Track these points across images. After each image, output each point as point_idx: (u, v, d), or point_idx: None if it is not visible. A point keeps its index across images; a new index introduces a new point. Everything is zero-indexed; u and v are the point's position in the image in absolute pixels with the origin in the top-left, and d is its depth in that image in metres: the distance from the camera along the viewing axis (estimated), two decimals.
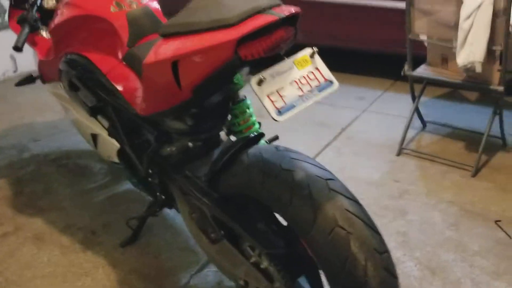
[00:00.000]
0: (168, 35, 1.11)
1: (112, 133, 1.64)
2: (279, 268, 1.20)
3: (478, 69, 2.00)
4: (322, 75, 1.06)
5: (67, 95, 1.85)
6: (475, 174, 2.24)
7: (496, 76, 2.12)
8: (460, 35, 2.00)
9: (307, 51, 1.06)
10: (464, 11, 1.99)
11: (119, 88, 1.48)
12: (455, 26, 2.07)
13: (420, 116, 2.69)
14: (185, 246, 1.89)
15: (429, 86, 2.58)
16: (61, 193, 2.30)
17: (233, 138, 1.58)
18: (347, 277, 1.02)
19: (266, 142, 1.56)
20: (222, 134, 1.58)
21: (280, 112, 1.00)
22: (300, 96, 1.03)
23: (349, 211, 1.06)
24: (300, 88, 1.03)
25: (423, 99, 2.64)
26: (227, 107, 1.42)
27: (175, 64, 1.08)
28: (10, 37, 4.14)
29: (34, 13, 1.74)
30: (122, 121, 1.61)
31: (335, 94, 2.13)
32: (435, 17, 2.18)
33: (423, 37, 2.33)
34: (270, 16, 0.97)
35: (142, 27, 1.50)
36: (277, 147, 1.22)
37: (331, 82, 1.07)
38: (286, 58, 1.05)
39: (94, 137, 1.78)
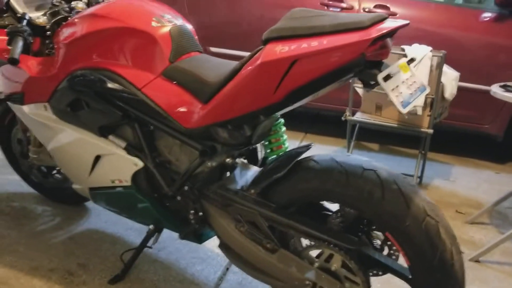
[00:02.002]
0: (277, 39, 1.18)
1: (132, 152, 1.55)
2: (358, 265, 1.27)
3: (419, 111, 2.41)
4: (420, 80, 1.25)
5: (55, 116, 1.70)
6: None
7: (426, 121, 2.56)
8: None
9: (405, 59, 1.24)
10: None
11: (159, 102, 1.45)
12: None
13: None
14: (182, 278, 1.79)
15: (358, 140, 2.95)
16: (7, 236, 1.99)
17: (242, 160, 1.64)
18: (438, 261, 1.16)
19: None
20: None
21: (402, 105, 1.15)
22: (410, 94, 1.19)
23: (431, 203, 1.22)
24: (409, 87, 1.19)
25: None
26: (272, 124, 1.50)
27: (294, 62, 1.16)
28: None
29: (26, 27, 1.61)
30: (150, 137, 1.55)
31: None
32: None
33: (359, 87, 2.72)
34: (393, 23, 1.13)
35: (184, 44, 1.52)
36: (346, 154, 1.34)
37: (425, 86, 1.25)
38: (391, 64, 1.20)
39: (97, 158, 1.64)
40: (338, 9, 3.28)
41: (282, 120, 1.57)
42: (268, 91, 1.23)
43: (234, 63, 1.39)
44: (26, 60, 1.71)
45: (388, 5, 3.19)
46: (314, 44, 1.13)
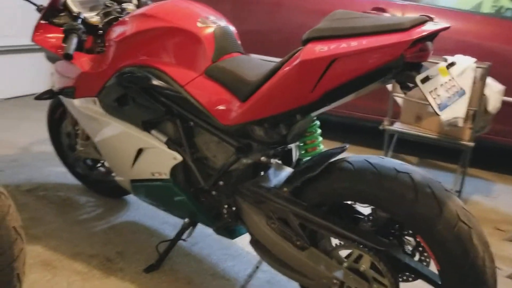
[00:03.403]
0: (317, 38, 1.22)
1: (173, 146, 1.62)
2: (387, 267, 1.28)
3: (460, 123, 2.38)
4: (458, 84, 1.26)
5: (103, 111, 1.80)
6: None
7: (467, 133, 2.52)
8: None
9: (444, 63, 1.25)
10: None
11: (200, 99, 1.52)
12: None
13: None
14: (214, 272, 1.84)
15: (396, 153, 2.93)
16: (53, 222, 2.10)
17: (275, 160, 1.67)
18: (470, 267, 1.16)
19: None
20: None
21: (440, 107, 1.16)
22: (448, 97, 1.20)
23: (465, 209, 1.22)
24: (447, 91, 1.20)
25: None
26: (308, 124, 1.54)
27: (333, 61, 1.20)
28: None
29: (81, 25, 1.71)
30: (189, 133, 1.62)
31: None
32: None
33: (399, 98, 2.71)
34: (433, 26, 1.15)
35: (227, 44, 1.59)
36: (379, 156, 1.35)
37: (464, 90, 1.26)
38: (430, 67, 1.22)
39: (139, 152, 1.72)
40: None
41: (318, 122, 1.60)
42: (306, 90, 1.27)
43: (273, 63, 1.44)
44: (79, 57, 1.82)
45: (432, 16, 3.16)
46: (354, 44, 1.16)
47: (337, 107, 1.44)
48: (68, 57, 1.60)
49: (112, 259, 1.86)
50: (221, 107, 1.49)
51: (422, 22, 1.15)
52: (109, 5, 1.96)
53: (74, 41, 1.65)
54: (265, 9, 3.71)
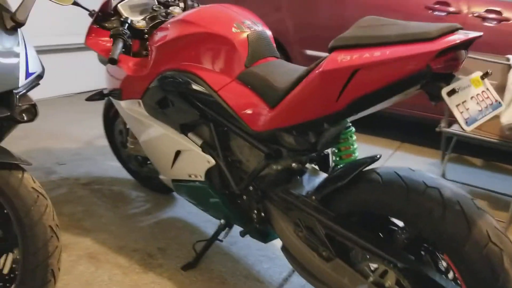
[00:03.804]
0: (342, 47, 1.19)
1: (206, 150, 1.65)
2: (414, 284, 1.23)
3: None
4: (493, 96, 1.17)
5: (146, 113, 1.87)
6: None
7: None
8: (507, 96, 2.21)
9: (479, 73, 1.17)
10: None
11: (232, 104, 1.53)
12: (499, 88, 2.28)
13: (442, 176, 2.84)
14: (248, 273, 1.86)
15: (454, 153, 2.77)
16: (104, 216, 2.23)
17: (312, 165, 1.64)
18: None
19: None
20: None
21: (467, 122, 1.09)
22: (479, 110, 1.12)
23: (498, 229, 1.13)
24: (479, 103, 1.12)
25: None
26: (341, 132, 1.50)
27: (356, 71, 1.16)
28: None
29: (127, 30, 1.78)
30: (221, 138, 1.64)
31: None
32: None
33: None
34: (462, 36, 1.08)
35: (261, 49, 1.58)
36: (410, 168, 1.29)
37: (499, 103, 1.17)
38: (462, 77, 1.15)
39: (178, 153, 1.78)
40: (444, 13, 3.10)
41: (353, 129, 1.55)
42: (331, 99, 1.23)
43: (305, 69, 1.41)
44: (125, 60, 1.90)
45: (499, 10, 2.94)
46: (377, 54, 1.11)
47: (395, 105, 1.36)
48: (112, 61, 1.67)
49: (153, 255, 1.94)
50: (251, 113, 1.49)
51: (451, 31, 1.08)
52: (156, 9, 2.02)
53: (119, 46, 1.72)
54: (324, 4, 3.64)
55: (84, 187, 2.52)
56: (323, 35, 3.65)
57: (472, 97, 1.11)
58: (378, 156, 1.40)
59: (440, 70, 1.10)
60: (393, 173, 1.27)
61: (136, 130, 2.00)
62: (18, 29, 1.41)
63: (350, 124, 1.55)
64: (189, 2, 2.13)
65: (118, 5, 2.04)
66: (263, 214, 1.55)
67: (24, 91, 1.34)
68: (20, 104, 1.31)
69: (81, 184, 2.56)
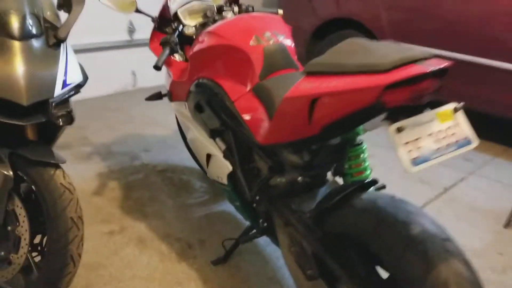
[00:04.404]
0: (312, 73, 1.18)
1: (227, 156, 1.74)
2: None
3: None
4: (463, 132, 1.06)
5: (190, 115, 2.01)
6: None
7: None
8: None
9: (451, 105, 1.07)
10: None
11: (244, 115, 1.58)
12: None
13: None
14: (273, 276, 1.92)
15: None
16: (164, 203, 2.46)
17: (339, 179, 1.62)
18: None
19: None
20: (329, 174, 1.62)
21: (414, 162, 1.01)
22: (436, 149, 1.03)
23: (463, 278, 1.03)
24: (438, 141, 1.03)
25: None
26: (345, 149, 1.46)
27: (314, 100, 1.15)
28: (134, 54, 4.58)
29: (176, 38, 1.91)
30: (239, 146, 1.71)
31: None
32: None
33: None
34: (422, 67, 1.00)
35: (275, 62, 1.60)
36: (393, 197, 1.22)
37: (470, 140, 1.06)
38: (429, 109, 1.06)
39: (208, 156, 1.90)
40: None
41: (364, 145, 1.50)
42: (304, 123, 1.22)
43: None
44: (175, 65, 2.06)
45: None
46: (332, 84, 1.08)
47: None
48: (156, 68, 1.84)
49: (192, 245, 2.11)
50: (257, 125, 1.53)
51: (411, 62, 0.99)
52: (209, 15, 2.13)
53: (165, 53, 1.87)
54: None
55: (158, 174, 2.79)
56: (420, 28, 3.44)
57: (430, 134, 1.02)
58: (375, 181, 1.35)
59: (400, 103, 1.02)
60: (372, 201, 1.22)
61: (184, 130, 2.17)
62: (62, 44, 1.64)
63: (362, 141, 1.50)
64: (243, 6, 2.20)
65: (178, 11, 2.20)
66: (265, 224, 1.60)
67: (60, 99, 1.56)
68: (55, 111, 1.54)
69: (157, 171, 2.83)
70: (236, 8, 2.18)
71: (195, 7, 2.23)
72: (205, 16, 2.12)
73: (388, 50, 1.07)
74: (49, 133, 1.70)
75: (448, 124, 1.04)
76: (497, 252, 2.16)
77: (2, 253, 1.56)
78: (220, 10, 2.18)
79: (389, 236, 1.12)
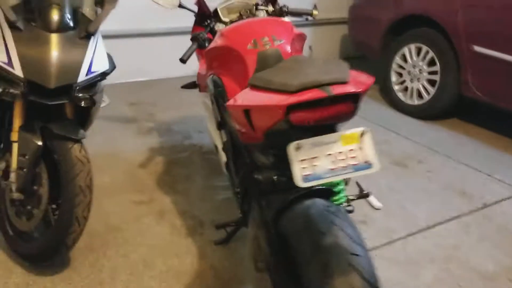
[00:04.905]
0: (252, 85, 1.28)
1: (224, 148, 1.89)
2: None
3: None
4: (364, 156, 1.10)
5: (209, 106, 2.18)
6: None
7: None
8: None
9: (359, 130, 1.11)
10: None
11: (233, 114, 1.71)
12: None
13: None
14: None
15: None
16: (195, 182, 2.69)
17: None
18: None
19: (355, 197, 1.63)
20: None
21: (306, 179, 1.08)
22: (331, 169, 1.08)
23: None
24: (335, 162, 1.08)
25: None
26: None
27: (248, 110, 1.25)
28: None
29: (205, 34, 2.08)
30: (234, 141, 1.84)
31: (494, 161, 2.16)
32: None
33: None
34: (323, 93, 1.05)
35: (267, 67, 1.69)
36: (329, 206, 1.28)
37: (370, 164, 1.09)
38: (337, 132, 1.11)
39: (216, 146, 2.06)
40: None
41: None
42: (249, 129, 1.32)
43: None
44: (202, 58, 2.24)
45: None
46: (257, 98, 1.17)
47: None
48: (181, 61, 2.03)
49: (204, 224, 2.31)
50: (239, 126, 1.65)
51: (312, 87, 1.05)
52: (242, 14, 2.25)
53: (192, 48, 2.06)
54: None
55: (202, 155, 3.03)
56: (496, 31, 3.20)
57: (329, 154, 1.06)
58: (320, 188, 1.40)
59: (305, 123, 1.08)
60: (307, 208, 1.29)
61: (209, 120, 2.35)
62: (98, 35, 1.91)
63: None
64: (277, 6, 2.28)
65: (218, 8, 2.36)
66: (240, 216, 1.73)
67: (84, 85, 1.83)
68: (79, 95, 1.81)
69: (201, 152, 3.07)
70: (270, 8, 2.27)
71: (235, 4, 2.36)
72: (240, 14, 2.24)
73: (312, 71, 1.13)
74: (86, 114, 2.00)
75: (351, 147, 1.08)
76: (508, 279, 2.04)
77: (29, 207, 1.90)
78: (255, 8, 2.29)
79: (304, 243, 1.19)
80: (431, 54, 3.69)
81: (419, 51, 3.80)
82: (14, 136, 1.85)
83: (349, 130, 1.10)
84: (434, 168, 3.01)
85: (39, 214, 1.87)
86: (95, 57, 1.88)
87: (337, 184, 1.55)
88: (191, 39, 2.07)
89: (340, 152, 1.09)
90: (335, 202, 1.57)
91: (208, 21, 2.24)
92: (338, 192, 1.57)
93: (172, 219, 2.34)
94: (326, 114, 1.08)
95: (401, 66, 3.98)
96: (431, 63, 3.71)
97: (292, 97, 1.07)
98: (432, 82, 3.73)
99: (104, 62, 1.92)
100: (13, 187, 1.84)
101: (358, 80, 1.13)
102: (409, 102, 3.92)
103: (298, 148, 1.09)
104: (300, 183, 1.09)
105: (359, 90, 1.07)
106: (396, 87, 4.05)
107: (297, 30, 1.86)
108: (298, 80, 1.10)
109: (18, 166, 1.83)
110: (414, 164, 3.06)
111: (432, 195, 2.68)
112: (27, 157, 1.83)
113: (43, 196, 1.86)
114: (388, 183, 2.79)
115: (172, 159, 2.97)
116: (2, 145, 2.01)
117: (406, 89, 3.96)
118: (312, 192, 1.38)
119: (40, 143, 1.84)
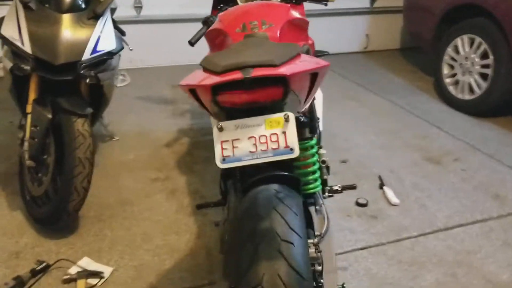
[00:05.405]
0: (202, 67, 1.28)
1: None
2: None
3: None
4: (286, 141, 1.06)
5: None
6: None
7: None
8: None
9: (283, 114, 1.07)
10: None
11: None
12: None
13: None
14: None
15: None
16: (213, 165, 2.73)
17: None
18: None
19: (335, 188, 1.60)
20: None
21: (224, 160, 1.06)
22: (251, 152, 1.05)
23: (280, 278, 1.05)
24: (255, 145, 1.05)
25: None
26: None
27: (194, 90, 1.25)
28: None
29: (216, 17, 2.09)
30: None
31: None
32: None
33: None
34: (240, 74, 1.03)
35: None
36: (278, 191, 1.24)
37: (291, 149, 1.05)
38: (262, 116, 1.08)
39: None
40: None
41: (312, 141, 1.51)
42: (205, 109, 1.32)
43: None
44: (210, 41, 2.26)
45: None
46: (192, 79, 1.17)
47: None
48: (190, 44, 2.07)
49: (205, 199, 2.34)
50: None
51: (234, 69, 1.02)
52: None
53: (201, 32, 2.08)
54: None
55: None
56: None
57: (251, 137, 1.03)
58: (285, 174, 1.37)
59: (231, 105, 1.06)
60: (257, 192, 1.26)
61: None
62: (107, 17, 1.99)
63: (310, 135, 1.51)
64: None
65: None
66: (221, 196, 1.73)
67: (89, 63, 1.92)
68: (83, 72, 1.91)
69: None
70: None
71: None
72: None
73: (246, 53, 1.11)
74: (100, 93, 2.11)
75: (274, 131, 1.04)
76: None
77: (40, 174, 2.04)
78: None
79: (243, 226, 1.17)
80: (484, 46, 3.41)
81: (472, 42, 3.54)
82: (28, 108, 1.99)
83: (274, 114, 1.07)
84: (471, 167, 2.80)
85: (47, 181, 2.00)
86: (102, 37, 1.96)
87: (311, 172, 1.50)
88: (202, 22, 2.09)
89: (262, 135, 1.06)
90: (310, 191, 1.52)
91: (222, 5, 2.24)
92: (315, 180, 1.52)
93: (182, 198, 2.40)
94: (251, 97, 1.06)
95: (453, 58, 3.73)
96: (484, 55, 3.44)
97: (214, 78, 1.06)
98: (484, 76, 3.46)
99: (111, 42, 2.00)
100: (26, 155, 1.99)
101: (296, 65, 1.08)
102: (459, 96, 3.67)
103: (221, 129, 1.08)
104: (219, 163, 1.08)
105: (285, 73, 1.03)
106: (447, 80, 3.81)
107: (297, 15, 1.81)
108: (225, 62, 1.09)
109: (30, 136, 1.97)
110: (449, 162, 2.87)
111: (460, 195, 2.51)
112: (38, 128, 1.96)
113: (50, 165, 1.98)
114: (413, 180, 2.65)
115: (196, 141, 3.03)
116: (22, 118, 2.18)
117: (457, 82, 3.71)
118: (278, 177, 1.35)
119: (50, 115, 1.96)
